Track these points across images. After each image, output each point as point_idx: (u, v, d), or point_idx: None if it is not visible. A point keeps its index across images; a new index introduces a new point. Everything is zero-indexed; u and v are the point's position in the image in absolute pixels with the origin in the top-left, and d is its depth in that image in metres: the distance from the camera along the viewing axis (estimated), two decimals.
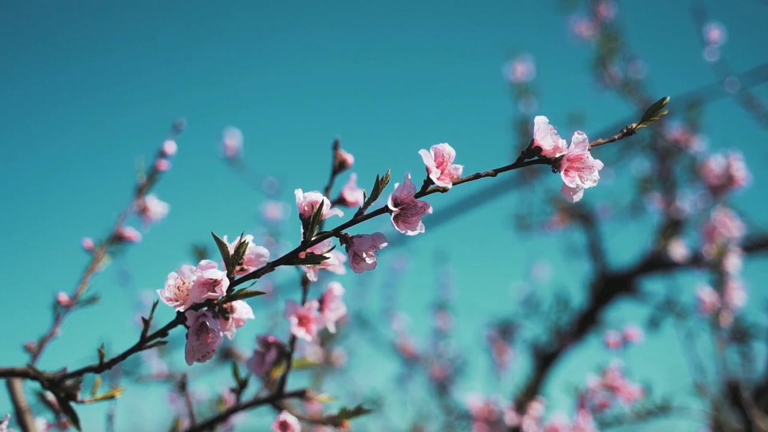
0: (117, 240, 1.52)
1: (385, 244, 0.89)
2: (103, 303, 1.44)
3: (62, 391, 1.10)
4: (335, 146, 1.19)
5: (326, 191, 1.19)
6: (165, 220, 1.60)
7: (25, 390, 1.37)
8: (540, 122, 0.87)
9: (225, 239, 0.93)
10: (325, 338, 2.61)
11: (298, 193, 0.90)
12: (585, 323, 3.47)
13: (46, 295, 1.42)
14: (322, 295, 1.18)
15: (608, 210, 3.68)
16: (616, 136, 0.91)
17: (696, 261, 2.94)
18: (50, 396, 1.37)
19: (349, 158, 1.19)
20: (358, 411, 1.19)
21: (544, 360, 3.45)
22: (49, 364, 1.11)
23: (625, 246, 4.01)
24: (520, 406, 2.01)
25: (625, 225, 3.65)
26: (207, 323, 0.91)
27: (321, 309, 1.18)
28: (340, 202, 1.18)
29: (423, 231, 0.87)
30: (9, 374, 1.11)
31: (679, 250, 3.01)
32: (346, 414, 1.19)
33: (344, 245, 0.90)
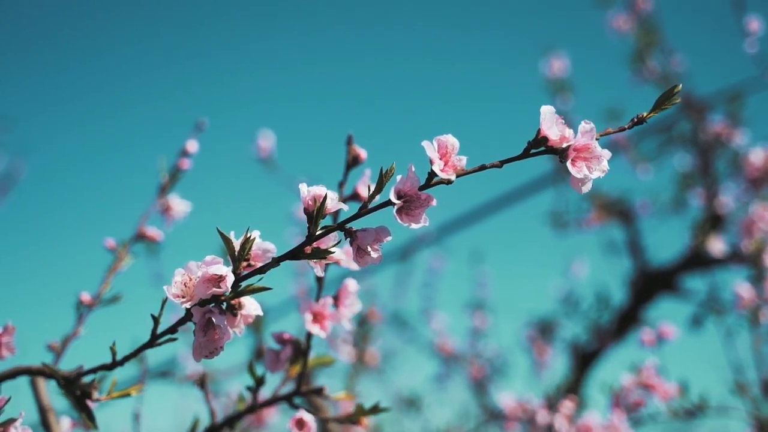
0: (140, 239, 1.53)
1: (389, 238, 0.87)
2: (139, 304, 1.45)
3: (78, 390, 1.10)
4: (349, 142, 1.18)
5: (340, 187, 1.18)
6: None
7: (50, 389, 1.38)
8: (546, 112, 0.85)
9: (232, 235, 0.92)
10: (359, 338, 2.61)
11: (302, 188, 0.89)
12: (626, 322, 3.42)
13: (71, 295, 1.42)
14: (337, 292, 1.17)
15: (648, 206, 3.62)
16: (626, 126, 0.88)
17: (735, 257, 2.87)
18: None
19: (363, 153, 1.17)
20: (375, 409, 1.18)
21: (584, 359, 3.40)
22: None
23: (667, 243, 3.94)
24: (553, 404, 1.98)
25: (666, 221, 3.59)
26: (213, 319, 0.90)
27: (336, 305, 1.17)
28: (354, 197, 1.17)
29: (427, 224, 0.85)
30: (26, 372, 1.11)
31: (717, 245, 2.95)
32: (362, 412, 1.18)
33: (348, 239, 0.88)
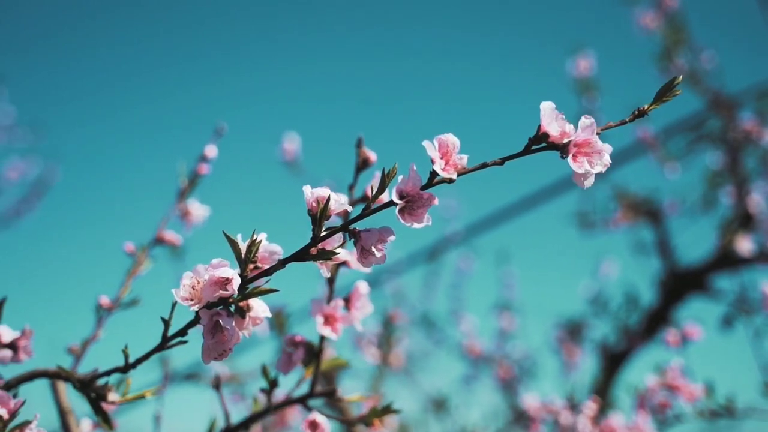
0: (158, 243, 1.54)
1: (392, 238, 0.87)
2: (164, 307, 1.46)
3: (93, 392, 1.11)
4: (358, 144, 1.18)
5: (350, 189, 1.19)
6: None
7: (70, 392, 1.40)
8: (545, 108, 0.84)
9: (239, 238, 0.93)
10: (384, 339, 2.61)
11: (306, 190, 0.90)
12: (655, 322, 3.38)
13: (93, 298, 1.44)
14: (349, 294, 1.17)
15: (677, 205, 3.58)
16: (627, 119, 0.88)
17: (762, 256, 2.83)
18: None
19: (372, 156, 1.18)
20: (387, 410, 1.18)
21: (613, 360, 3.37)
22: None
23: (697, 242, 3.89)
24: (576, 405, 1.96)
25: (696, 220, 3.55)
26: (221, 322, 0.91)
27: (347, 308, 1.17)
28: (364, 199, 1.17)
29: (430, 223, 0.85)
30: (42, 375, 1.13)
31: (745, 245, 2.91)
32: (375, 413, 1.18)
33: (353, 240, 0.89)
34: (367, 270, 1.14)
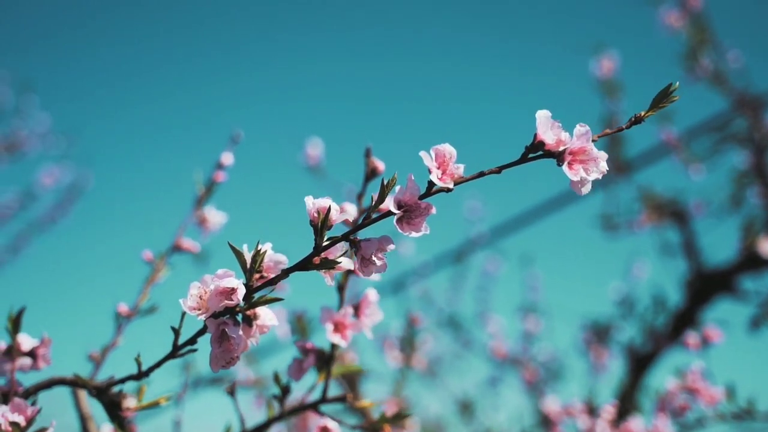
0: (176, 251, 1.57)
1: (392, 247, 0.89)
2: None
3: (108, 399, 1.14)
4: (367, 154, 1.20)
5: (359, 198, 1.20)
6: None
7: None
8: (541, 116, 0.85)
9: (245, 248, 0.95)
10: (406, 342, 2.62)
11: (308, 201, 0.91)
12: (682, 324, 3.35)
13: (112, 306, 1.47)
14: (358, 302, 1.19)
15: (703, 206, 3.55)
16: (624, 126, 0.89)
17: None
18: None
19: (380, 165, 1.19)
20: (399, 416, 1.19)
21: (639, 363, 3.35)
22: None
23: (724, 243, 3.85)
24: (594, 409, 1.96)
25: (723, 221, 3.51)
26: (227, 331, 0.93)
27: (357, 315, 1.18)
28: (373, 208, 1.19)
29: (428, 232, 0.87)
30: (60, 383, 1.15)
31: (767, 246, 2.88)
32: (385, 419, 1.19)
33: (353, 249, 0.90)
34: (377, 278, 1.16)
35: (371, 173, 1.19)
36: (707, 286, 3.33)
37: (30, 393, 1.14)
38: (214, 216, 1.62)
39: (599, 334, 3.80)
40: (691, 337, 2.07)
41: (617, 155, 3.48)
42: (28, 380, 1.17)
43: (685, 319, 3.35)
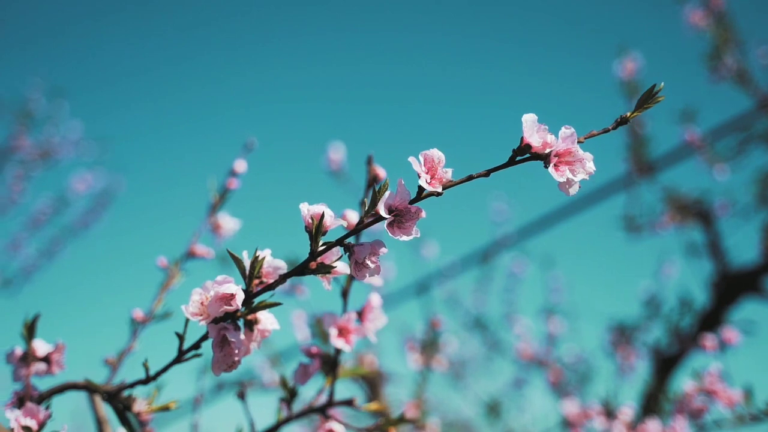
0: (190, 257, 1.59)
1: (384, 250, 0.90)
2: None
3: (119, 403, 1.17)
4: (368, 162, 1.21)
5: (361, 204, 1.22)
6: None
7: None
8: (526, 120, 0.86)
9: (245, 255, 0.97)
10: (426, 345, 2.63)
11: (303, 207, 0.93)
12: (708, 325, 3.32)
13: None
14: (362, 307, 1.21)
15: (727, 206, 3.52)
16: (610, 127, 0.89)
17: None
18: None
19: (382, 172, 1.20)
20: (402, 419, 1.21)
21: (665, 364, 3.32)
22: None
23: (750, 243, 3.81)
24: (611, 411, 1.96)
25: (748, 221, 3.48)
26: (227, 335, 0.95)
27: (361, 320, 1.20)
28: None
29: (418, 235, 0.88)
30: (72, 388, 1.18)
31: None
32: (389, 422, 1.21)
33: (347, 254, 0.92)
34: (378, 282, 1.17)
35: (373, 180, 1.21)
36: (733, 286, 3.30)
37: (44, 397, 1.17)
38: (228, 222, 1.64)
39: (625, 335, 3.78)
40: (709, 340, 2.06)
41: (641, 156, 3.46)
42: (43, 385, 1.20)
43: (710, 320, 3.32)
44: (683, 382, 1.99)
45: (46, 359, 1.23)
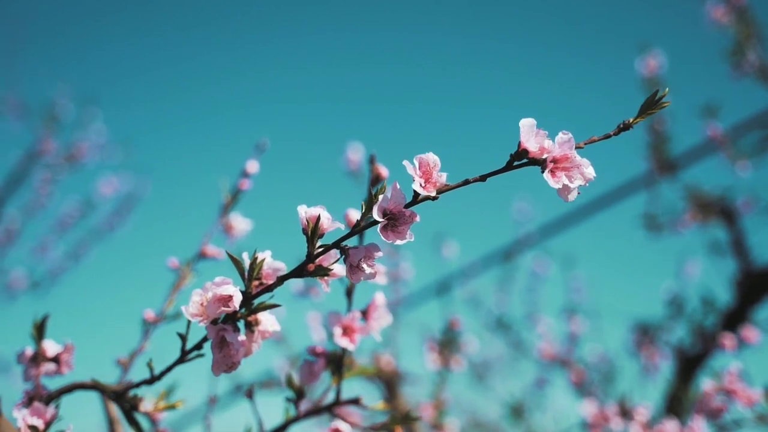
0: (202, 258, 1.60)
1: (379, 254, 0.90)
2: None
3: (126, 403, 1.18)
4: (371, 161, 1.21)
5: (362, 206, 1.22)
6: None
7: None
8: (524, 124, 0.86)
9: (245, 256, 0.98)
10: (445, 345, 2.62)
11: (300, 210, 0.94)
12: (731, 324, 3.28)
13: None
14: (367, 306, 1.21)
15: (751, 204, 3.48)
16: (611, 133, 0.89)
17: None
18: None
19: (384, 172, 1.21)
20: (408, 418, 1.21)
21: (688, 364, 3.29)
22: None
23: None
24: (627, 411, 1.94)
25: None
26: (226, 337, 0.96)
27: (365, 319, 1.20)
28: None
29: (412, 239, 0.88)
30: (80, 387, 1.19)
31: None
32: (395, 420, 1.21)
33: (343, 257, 0.92)
34: (383, 281, 1.18)
35: (375, 180, 1.21)
36: (757, 285, 3.26)
37: (52, 397, 1.19)
38: (240, 223, 1.65)
39: (648, 335, 3.75)
40: (728, 339, 2.03)
41: (661, 154, 3.43)
42: (55, 385, 1.22)
43: (734, 319, 3.28)
44: (704, 382, 1.97)
45: (56, 359, 1.25)
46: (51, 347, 1.24)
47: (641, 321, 3.75)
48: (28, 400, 1.18)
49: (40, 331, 1.24)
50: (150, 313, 1.49)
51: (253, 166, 1.63)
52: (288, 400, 1.28)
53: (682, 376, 3.28)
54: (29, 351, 1.24)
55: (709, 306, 3.34)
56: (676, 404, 3.09)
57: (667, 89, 0.89)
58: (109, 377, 1.33)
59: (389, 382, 2.66)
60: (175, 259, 1.57)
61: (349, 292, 1.22)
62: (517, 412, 3.86)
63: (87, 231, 5.67)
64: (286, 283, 0.98)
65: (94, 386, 1.19)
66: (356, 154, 3.26)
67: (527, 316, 4.37)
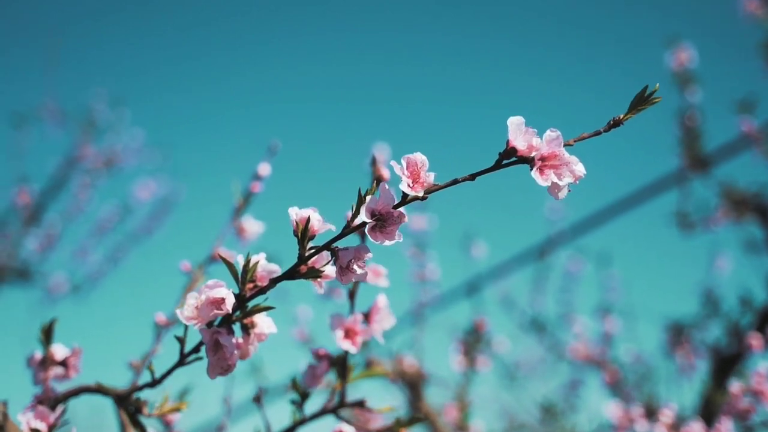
0: (214, 261, 1.60)
1: (369, 255, 0.89)
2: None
3: (131, 406, 1.18)
4: (373, 162, 1.20)
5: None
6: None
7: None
8: (512, 123, 0.84)
9: (239, 258, 0.97)
10: (470, 346, 2.61)
11: (292, 211, 0.93)
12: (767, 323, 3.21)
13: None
14: (369, 308, 1.20)
15: None
16: (602, 129, 0.86)
17: None
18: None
19: (386, 173, 1.19)
20: (413, 420, 1.19)
21: (724, 363, 3.22)
22: None
23: None
24: (653, 413, 1.91)
25: None
26: (220, 339, 0.95)
27: (367, 321, 1.19)
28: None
29: (401, 240, 0.87)
30: (85, 391, 1.20)
31: None
32: (400, 423, 1.20)
33: (333, 258, 0.91)
34: (385, 284, 1.17)
35: (377, 180, 1.20)
36: None
37: (59, 401, 1.19)
38: (252, 225, 1.65)
39: (683, 334, 3.68)
40: (754, 338, 1.99)
41: (694, 150, 3.37)
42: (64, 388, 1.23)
43: None
44: (732, 383, 1.93)
45: (64, 363, 1.25)
46: (59, 351, 1.25)
47: (675, 320, 3.69)
48: (38, 404, 1.19)
49: (47, 335, 1.24)
50: (161, 317, 1.49)
51: (264, 169, 1.62)
52: (293, 402, 1.27)
53: (717, 376, 3.22)
54: (38, 355, 1.25)
55: (746, 305, 3.26)
56: (710, 405, 3.03)
57: (657, 85, 0.86)
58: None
59: (413, 384, 2.64)
60: (187, 262, 1.58)
61: (351, 295, 1.21)
62: (549, 413, 3.82)
63: (125, 235, 5.74)
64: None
65: (99, 389, 1.19)
66: (382, 154, 3.25)
67: (562, 316, 4.32)
